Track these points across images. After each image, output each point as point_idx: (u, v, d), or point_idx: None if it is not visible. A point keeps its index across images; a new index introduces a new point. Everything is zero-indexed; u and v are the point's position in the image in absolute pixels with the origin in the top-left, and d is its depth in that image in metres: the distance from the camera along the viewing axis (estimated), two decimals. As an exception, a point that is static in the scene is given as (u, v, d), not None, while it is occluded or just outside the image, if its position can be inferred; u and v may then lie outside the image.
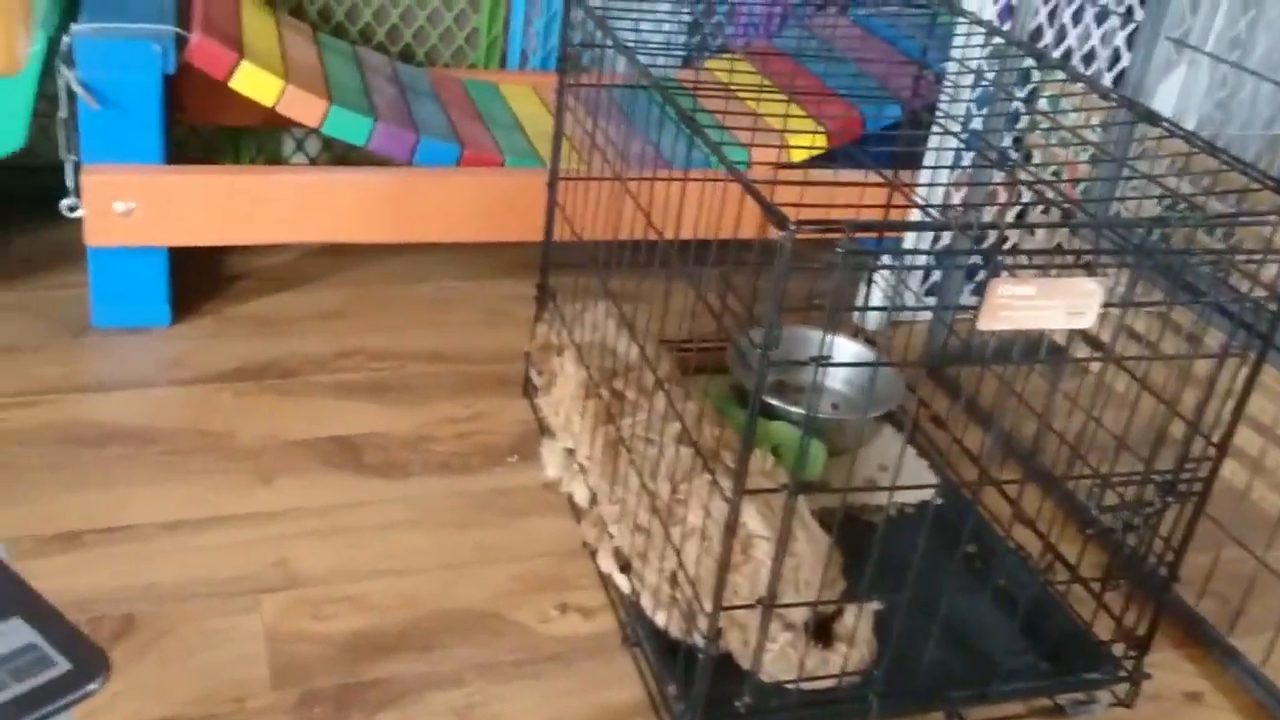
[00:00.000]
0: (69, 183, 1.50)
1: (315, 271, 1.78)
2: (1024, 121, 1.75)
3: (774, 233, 0.86)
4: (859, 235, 0.88)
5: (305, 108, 1.55)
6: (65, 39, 1.43)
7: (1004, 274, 0.90)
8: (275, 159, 2.01)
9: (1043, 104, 1.68)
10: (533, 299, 1.52)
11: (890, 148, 1.69)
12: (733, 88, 1.63)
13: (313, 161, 2.03)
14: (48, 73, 1.44)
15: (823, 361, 0.93)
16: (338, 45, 1.84)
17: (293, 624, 1.16)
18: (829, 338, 1.40)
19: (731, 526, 0.98)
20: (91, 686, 0.48)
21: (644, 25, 1.89)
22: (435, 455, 1.43)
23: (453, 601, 1.21)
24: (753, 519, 1.12)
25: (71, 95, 1.45)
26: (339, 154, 2.02)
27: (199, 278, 1.70)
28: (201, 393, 1.48)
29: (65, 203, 1.50)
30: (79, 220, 1.50)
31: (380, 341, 1.63)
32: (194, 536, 1.25)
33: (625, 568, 1.22)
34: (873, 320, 1.76)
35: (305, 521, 1.29)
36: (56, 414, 1.40)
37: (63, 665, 0.48)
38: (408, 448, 1.43)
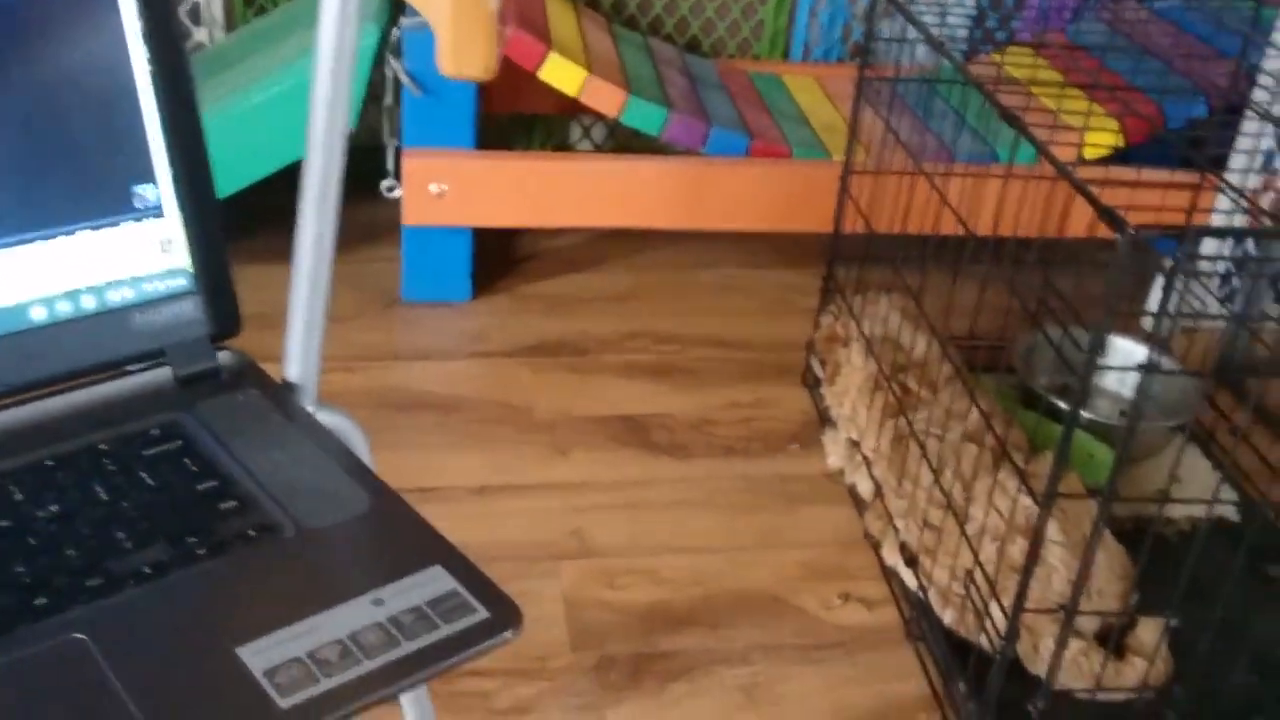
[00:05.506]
0: (389, 165, 1.62)
1: (604, 254, 1.86)
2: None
3: (1113, 234, 0.85)
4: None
5: (606, 98, 1.61)
6: (395, 31, 1.54)
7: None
8: (563, 145, 2.10)
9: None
10: (814, 289, 1.54)
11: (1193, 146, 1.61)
12: (1027, 82, 1.59)
13: (598, 148, 2.11)
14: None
15: (1152, 369, 0.91)
16: (631, 37, 1.90)
17: (589, 591, 1.22)
18: (1115, 339, 1.36)
19: (1039, 531, 0.97)
20: (508, 634, 0.53)
21: (928, 16, 1.88)
22: (718, 439, 1.47)
23: (738, 582, 1.25)
24: (1049, 523, 1.10)
25: (397, 84, 1.56)
26: (622, 141, 2.09)
27: (495, 257, 1.80)
28: (501, 366, 1.57)
29: (385, 183, 1.62)
30: (385, 200, 1.61)
31: (665, 325, 1.69)
32: (498, 502, 1.33)
33: (911, 562, 1.23)
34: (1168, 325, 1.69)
35: (599, 495, 1.35)
36: (373, 380, 1.51)
37: (482, 613, 0.53)
38: (692, 430, 1.48)
